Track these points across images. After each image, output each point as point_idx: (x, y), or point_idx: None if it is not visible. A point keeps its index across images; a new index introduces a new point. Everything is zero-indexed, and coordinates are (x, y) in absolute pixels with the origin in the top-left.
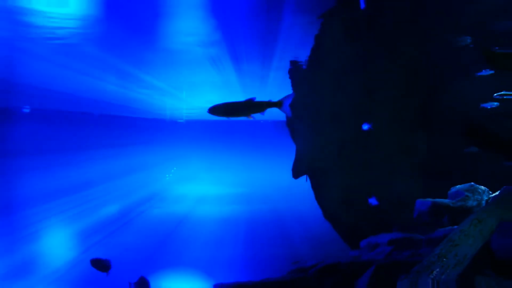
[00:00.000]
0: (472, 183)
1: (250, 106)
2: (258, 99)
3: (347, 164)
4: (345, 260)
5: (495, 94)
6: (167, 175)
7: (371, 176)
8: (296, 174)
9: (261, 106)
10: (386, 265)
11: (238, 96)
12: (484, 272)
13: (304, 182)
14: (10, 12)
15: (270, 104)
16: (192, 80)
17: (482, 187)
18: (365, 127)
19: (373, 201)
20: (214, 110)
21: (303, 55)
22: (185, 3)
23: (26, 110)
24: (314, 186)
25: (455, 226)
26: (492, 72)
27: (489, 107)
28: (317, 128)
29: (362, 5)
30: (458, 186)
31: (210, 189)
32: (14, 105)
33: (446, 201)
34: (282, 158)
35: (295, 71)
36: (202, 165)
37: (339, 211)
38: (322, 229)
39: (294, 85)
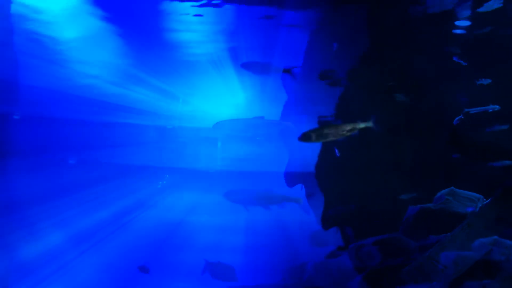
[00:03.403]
0: (452, 187)
1: (259, 125)
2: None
3: (341, 169)
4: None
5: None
6: (159, 182)
7: (366, 181)
8: (290, 181)
9: (272, 125)
10: (378, 269)
11: (238, 99)
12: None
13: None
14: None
15: (280, 123)
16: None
17: (477, 194)
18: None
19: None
20: (220, 125)
21: (295, 62)
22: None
23: (16, 117)
24: (308, 192)
25: (449, 234)
26: (489, 81)
27: (490, 110)
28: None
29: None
30: (442, 191)
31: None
32: (13, 106)
33: (429, 205)
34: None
35: (287, 78)
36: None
37: (333, 216)
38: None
39: (287, 91)
